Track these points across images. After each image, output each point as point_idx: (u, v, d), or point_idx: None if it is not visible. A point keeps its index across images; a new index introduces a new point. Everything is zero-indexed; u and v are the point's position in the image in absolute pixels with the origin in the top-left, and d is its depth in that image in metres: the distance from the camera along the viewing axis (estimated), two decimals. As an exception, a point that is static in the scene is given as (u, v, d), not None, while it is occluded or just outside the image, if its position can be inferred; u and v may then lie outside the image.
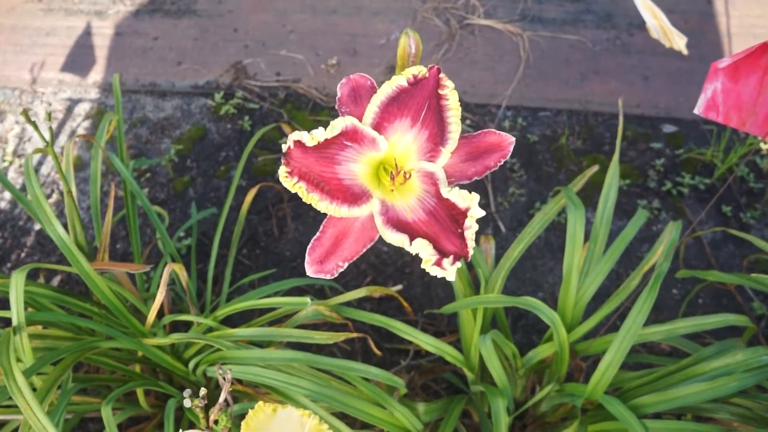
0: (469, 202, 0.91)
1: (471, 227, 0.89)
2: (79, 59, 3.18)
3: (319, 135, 0.90)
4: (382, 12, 3.28)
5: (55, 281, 2.55)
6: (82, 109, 3.04)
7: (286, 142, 0.89)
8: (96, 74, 3.13)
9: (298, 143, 0.90)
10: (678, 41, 2.13)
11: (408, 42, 1.04)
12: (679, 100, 2.96)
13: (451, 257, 0.89)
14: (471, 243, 0.90)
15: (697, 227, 2.65)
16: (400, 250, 2.65)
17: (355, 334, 1.65)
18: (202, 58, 3.16)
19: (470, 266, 1.96)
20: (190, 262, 2.39)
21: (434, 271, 0.89)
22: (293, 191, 0.91)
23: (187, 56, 3.17)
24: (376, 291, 1.82)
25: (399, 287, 2.54)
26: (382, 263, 2.61)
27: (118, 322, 1.71)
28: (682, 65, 3.04)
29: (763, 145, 2.83)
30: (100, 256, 1.75)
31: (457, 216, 0.92)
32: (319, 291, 2.54)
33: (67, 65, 3.15)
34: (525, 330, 2.43)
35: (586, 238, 1.76)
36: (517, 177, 2.78)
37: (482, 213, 0.90)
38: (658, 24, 2.14)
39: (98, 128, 1.95)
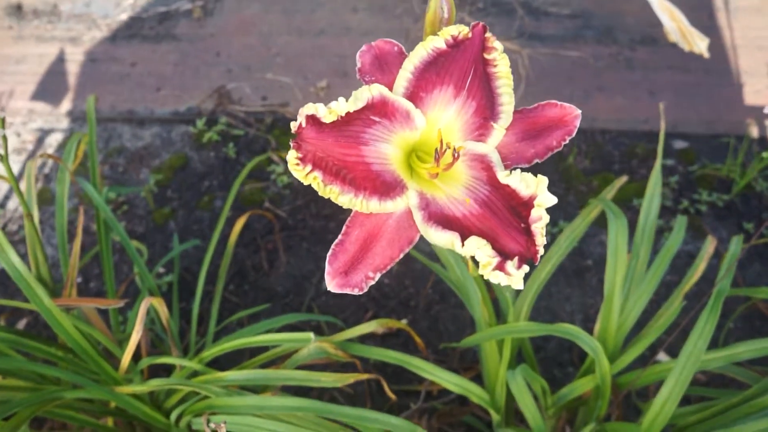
0: (534, 188, 0.70)
1: (540, 219, 0.69)
2: (51, 87, 2.97)
3: (339, 108, 0.70)
4: (372, 32, 3.13)
5: (22, 324, 2.29)
6: (54, 139, 2.81)
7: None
8: (69, 103, 2.91)
9: (312, 119, 0.69)
10: (699, 43, 1.98)
11: (440, 4, 0.85)
12: (687, 114, 2.82)
13: (516, 259, 0.68)
14: (541, 240, 0.69)
15: (720, 246, 2.47)
16: (402, 282, 2.43)
17: (365, 375, 1.42)
18: (182, 84, 2.96)
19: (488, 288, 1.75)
20: (172, 299, 2.15)
21: (495, 278, 0.68)
22: (306, 183, 0.70)
23: (167, 82, 2.97)
24: (386, 325, 1.60)
25: (405, 321, 2.32)
26: (383, 296, 2.38)
27: (87, 367, 1.47)
28: (688, 79, 2.91)
29: (780, 159, 2.68)
30: (67, 292, 1.51)
31: (518, 207, 0.71)
32: (315, 328, 2.30)
33: (38, 93, 2.94)
34: (545, 363, 2.20)
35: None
36: (524, 199, 2.59)
37: (554, 200, 0.69)
38: (676, 26, 1.99)
39: (66, 148, 1.73)
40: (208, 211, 2.60)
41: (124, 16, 3.25)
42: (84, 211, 2.59)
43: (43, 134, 2.83)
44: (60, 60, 3.06)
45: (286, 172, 2.62)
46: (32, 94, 2.94)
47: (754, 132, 2.76)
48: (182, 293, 2.36)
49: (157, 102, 2.90)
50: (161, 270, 2.45)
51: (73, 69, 3.03)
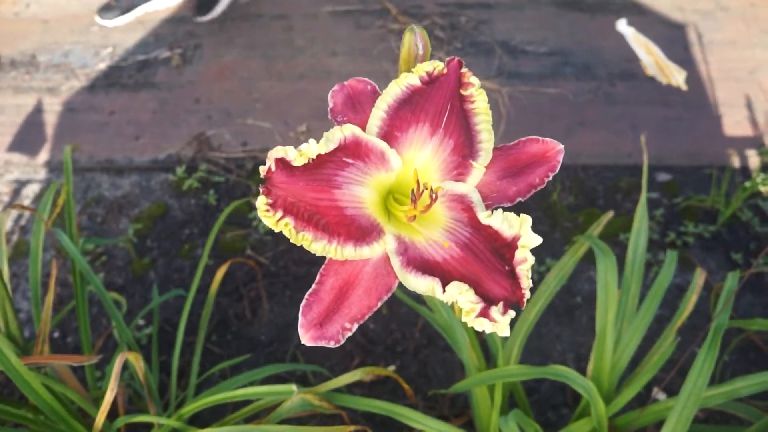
0: (517, 228, 0.67)
1: (525, 261, 0.65)
2: (28, 138, 2.93)
3: (310, 150, 0.66)
4: (353, 75, 3.11)
5: (-7, 386, 2.19)
6: (31, 190, 2.76)
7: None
8: (46, 153, 2.87)
9: (282, 163, 0.65)
10: (677, 76, 1.99)
11: (414, 41, 0.83)
12: (669, 147, 2.82)
13: (501, 304, 0.64)
14: (526, 282, 0.65)
15: (709, 278, 2.44)
16: (388, 326, 2.37)
17: (351, 428, 1.35)
18: (162, 131, 2.94)
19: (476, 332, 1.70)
20: (152, 353, 2.07)
21: (480, 325, 0.63)
22: (277, 230, 0.66)
23: (146, 130, 2.95)
24: (372, 373, 1.55)
25: (392, 368, 2.25)
26: (369, 342, 2.32)
27: (59, 428, 1.39)
28: (669, 112, 2.92)
29: (762, 188, 2.68)
30: (38, 349, 1.44)
31: (502, 248, 0.67)
32: (301, 378, 2.23)
33: (15, 145, 2.90)
34: (538, 405, 2.14)
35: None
36: (510, 237, 2.55)
37: (538, 240, 0.65)
38: (653, 60, 2.01)
39: (42, 200, 1.68)
40: (189, 260, 2.54)
41: (102, 66, 3.24)
42: (61, 263, 2.53)
43: (20, 185, 2.78)
44: (38, 110, 3.03)
45: (269, 217, 2.58)
46: (9, 146, 2.90)
47: (736, 162, 2.77)
48: (163, 345, 2.28)
49: (136, 150, 2.87)
50: (141, 322, 2.37)
51: (50, 119, 3.00)
